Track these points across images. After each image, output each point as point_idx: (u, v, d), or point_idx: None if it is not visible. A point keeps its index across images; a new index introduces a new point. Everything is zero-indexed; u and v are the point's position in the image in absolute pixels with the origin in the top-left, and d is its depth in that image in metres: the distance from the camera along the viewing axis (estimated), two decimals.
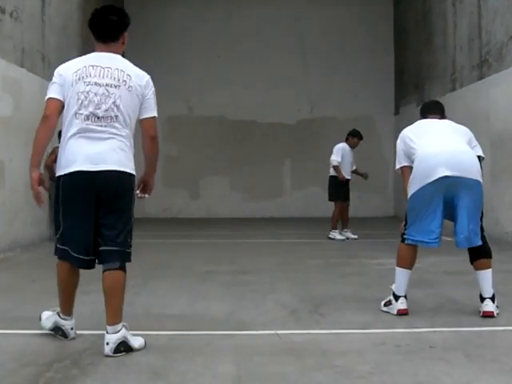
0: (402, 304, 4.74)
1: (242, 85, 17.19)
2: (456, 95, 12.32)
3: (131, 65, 3.88)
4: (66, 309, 3.94)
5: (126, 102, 3.73)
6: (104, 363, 3.52)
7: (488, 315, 4.65)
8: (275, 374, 3.32)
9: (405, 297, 4.77)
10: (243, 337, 4.12)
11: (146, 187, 4.05)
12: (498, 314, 4.70)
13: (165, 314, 4.82)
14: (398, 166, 4.99)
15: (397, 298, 4.77)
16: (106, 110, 3.69)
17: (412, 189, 4.73)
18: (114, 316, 3.68)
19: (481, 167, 4.82)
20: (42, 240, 10.03)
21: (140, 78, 3.82)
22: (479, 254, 4.82)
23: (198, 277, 6.63)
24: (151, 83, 3.87)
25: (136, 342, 3.74)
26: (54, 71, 3.90)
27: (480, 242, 4.75)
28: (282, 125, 17.59)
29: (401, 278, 4.79)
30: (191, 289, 5.91)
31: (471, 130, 5.10)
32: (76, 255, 3.76)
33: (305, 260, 7.99)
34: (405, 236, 4.80)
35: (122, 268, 3.75)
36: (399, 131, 5.27)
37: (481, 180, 4.70)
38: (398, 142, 5.00)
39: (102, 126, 3.69)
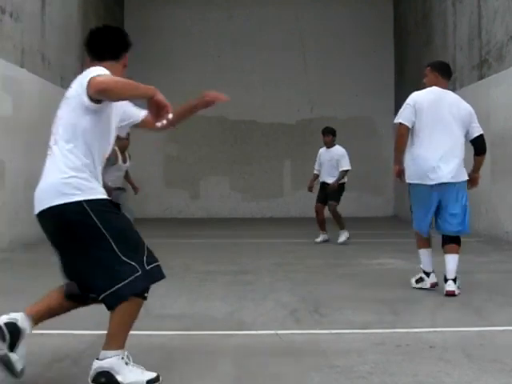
0: (433, 278, 5.61)
1: (242, 85, 17.19)
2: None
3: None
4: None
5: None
6: None
7: (450, 294, 5.32)
8: (275, 374, 3.32)
9: (433, 271, 5.62)
10: (243, 337, 4.12)
11: None
12: (459, 293, 5.37)
13: (165, 313, 4.81)
14: (399, 120, 5.51)
15: (427, 274, 5.64)
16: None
17: (412, 177, 5.54)
18: (106, 341, 3.11)
19: (484, 142, 5.60)
20: (42, 240, 10.02)
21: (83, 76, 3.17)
22: (451, 240, 5.49)
23: (198, 277, 6.63)
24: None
25: (133, 377, 3.08)
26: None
27: (466, 231, 5.55)
28: (282, 125, 17.59)
29: (425, 257, 5.63)
30: (191, 289, 5.91)
31: None
32: None
33: (305, 260, 7.99)
34: (414, 227, 5.72)
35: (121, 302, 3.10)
36: None
37: (464, 178, 5.50)
38: (411, 101, 5.49)
39: None
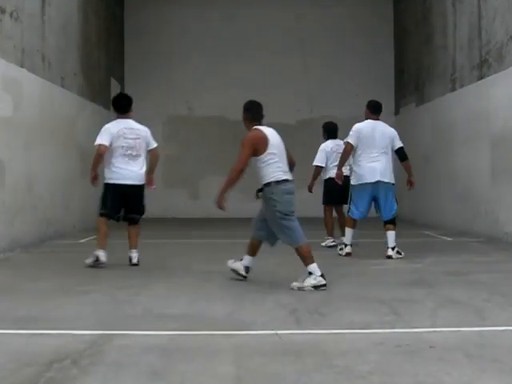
0: (348, 249, 8.16)
1: (241, 85, 17.16)
2: (456, 95, 12.32)
3: None
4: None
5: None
6: (104, 363, 3.51)
7: (389, 257, 7.91)
8: (275, 374, 3.32)
9: (351, 245, 8.21)
10: (243, 337, 4.12)
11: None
12: (397, 257, 7.87)
13: (165, 313, 4.81)
14: (348, 140, 8.07)
15: (346, 245, 8.20)
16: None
17: (357, 179, 7.96)
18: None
19: (404, 152, 8.17)
20: (41, 240, 10.02)
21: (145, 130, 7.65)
22: (388, 222, 8.12)
23: (198, 277, 6.63)
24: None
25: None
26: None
27: (392, 216, 8.09)
28: (281, 125, 17.44)
29: (350, 235, 8.20)
30: (191, 289, 5.91)
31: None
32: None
33: None
34: (349, 213, 8.25)
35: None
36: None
37: (393, 180, 8.01)
38: (356, 130, 8.06)
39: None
